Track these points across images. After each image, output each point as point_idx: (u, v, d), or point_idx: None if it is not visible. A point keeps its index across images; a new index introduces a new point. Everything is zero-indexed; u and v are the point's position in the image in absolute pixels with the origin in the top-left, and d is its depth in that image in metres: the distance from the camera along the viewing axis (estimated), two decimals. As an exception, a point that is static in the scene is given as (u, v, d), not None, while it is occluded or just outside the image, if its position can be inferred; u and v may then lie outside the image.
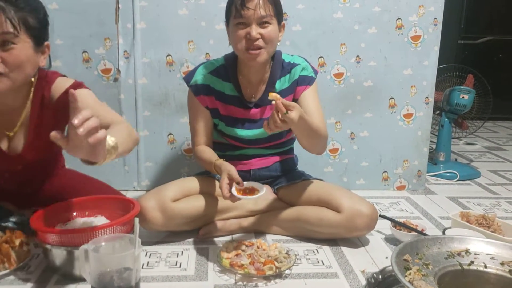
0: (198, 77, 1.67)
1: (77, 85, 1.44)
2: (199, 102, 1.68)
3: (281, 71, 1.67)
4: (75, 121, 0.97)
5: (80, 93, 1.31)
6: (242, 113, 1.68)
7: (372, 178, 2.27)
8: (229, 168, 1.47)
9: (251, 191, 1.46)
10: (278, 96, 1.35)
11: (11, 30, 1.24)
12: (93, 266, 1.14)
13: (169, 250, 1.56)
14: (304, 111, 1.56)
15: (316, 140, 1.58)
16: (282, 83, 1.68)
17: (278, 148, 1.77)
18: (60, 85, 1.43)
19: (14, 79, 1.30)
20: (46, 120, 1.45)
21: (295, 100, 1.68)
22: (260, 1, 1.50)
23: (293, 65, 1.68)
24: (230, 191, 1.42)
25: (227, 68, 1.67)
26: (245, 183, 1.46)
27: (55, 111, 1.44)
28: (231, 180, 1.44)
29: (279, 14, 1.57)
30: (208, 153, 1.65)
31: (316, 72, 1.72)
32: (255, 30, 1.51)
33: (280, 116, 1.35)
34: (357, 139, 2.22)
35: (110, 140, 1.16)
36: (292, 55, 1.72)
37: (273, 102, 1.34)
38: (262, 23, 1.52)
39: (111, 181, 1.87)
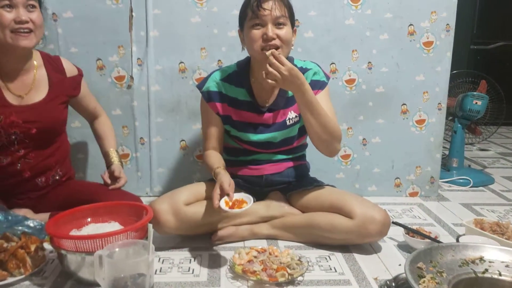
0: (211, 84, 1.70)
1: (81, 72, 1.81)
2: (211, 108, 1.70)
3: None
4: (111, 187, 1.72)
5: (83, 84, 1.81)
6: (255, 118, 1.69)
7: (384, 185, 2.26)
8: (223, 180, 1.49)
9: (240, 204, 1.46)
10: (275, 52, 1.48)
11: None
12: (107, 272, 1.15)
13: (182, 256, 1.56)
14: None
15: (327, 136, 1.58)
16: None
17: (290, 154, 1.77)
18: (69, 65, 1.77)
19: (38, 37, 1.58)
20: (60, 83, 1.71)
21: None
22: (276, 3, 1.53)
23: (305, 70, 1.68)
24: (219, 201, 1.43)
25: (240, 73, 1.69)
26: (235, 194, 1.47)
27: (67, 83, 1.74)
28: (222, 191, 1.46)
29: (292, 17, 1.60)
30: (212, 159, 1.67)
31: (328, 77, 1.72)
32: (271, 30, 1.53)
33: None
34: (369, 145, 2.22)
35: (117, 158, 1.83)
36: (304, 61, 1.73)
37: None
38: (277, 24, 1.54)
39: (124, 186, 1.88)
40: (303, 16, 2.06)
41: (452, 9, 2.10)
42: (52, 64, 1.72)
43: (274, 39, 1.53)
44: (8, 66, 1.60)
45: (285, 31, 1.55)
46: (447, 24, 2.11)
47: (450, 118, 2.69)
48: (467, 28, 4.42)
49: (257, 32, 1.54)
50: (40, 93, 1.66)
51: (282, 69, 1.46)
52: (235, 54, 2.03)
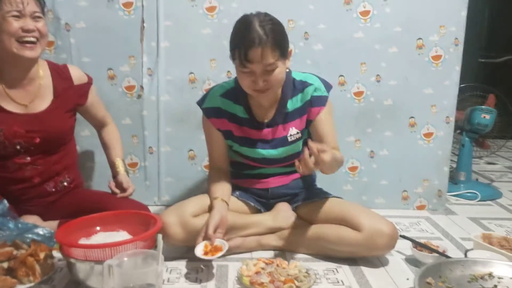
0: (210, 100, 1.70)
1: (91, 80, 1.82)
2: (212, 124, 1.71)
3: (293, 90, 1.67)
4: (119, 195, 1.74)
5: (92, 90, 1.82)
6: (255, 134, 1.69)
7: (391, 197, 2.26)
8: (211, 220, 1.51)
9: (215, 250, 1.47)
10: (313, 144, 1.33)
11: (39, 9, 1.59)
12: (117, 281, 1.16)
13: (189, 266, 1.57)
14: (320, 133, 1.62)
15: (336, 168, 1.57)
16: (294, 103, 1.68)
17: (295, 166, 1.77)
18: (77, 72, 1.78)
19: (43, 47, 1.62)
20: (66, 92, 1.73)
21: (309, 121, 1.69)
22: (264, 51, 1.45)
23: (305, 85, 1.67)
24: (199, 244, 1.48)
25: (238, 90, 1.66)
26: (217, 241, 1.49)
27: (75, 91, 1.76)
28: (206, 230, 1.49)
29: (284, 52, 1.52)
30: (213, 185, 1.68)
31: (329, 88, 1.70)
32: (261, 80, 1.50)
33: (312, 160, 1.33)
34: (377, 158, 2.22)
35: (123, 168, 1.84)
36: (303, 73, 1.71)
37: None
38: (268, 70, 1.49)
39: (132, 195, 1.90)
40: (313, 29, 2.08)
41: (461, 23, 2.11)
42: (59, 72, 1.73)
43: (266, 88, 1.52)
44: (12, 75, 1.62)
45: (276, 73, 1.51)
46: (456, 38, 2.12)
47: (458, 131, 2.69)
48: (476, 41, 4.43)
49: (246, 78, 1.52)
50: (44, 102, 1.68)
51: (324, 167, 1.38)
52: (244, 65, 2.05)
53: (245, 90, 1.59)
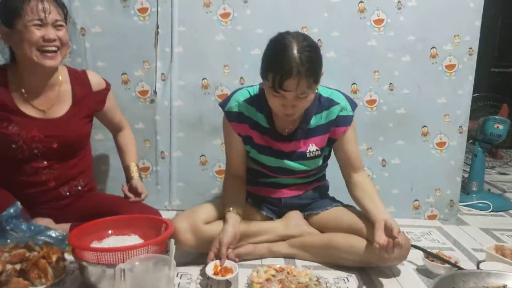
0: (233, 104, 1.67)
1: (109, 86, 1.84)
2: (232, 128, 1.68)
3: (318, 106, 1.63)
4: (132, 199, 1.75)
5: (110, 95, 1.84)
6: (275, 144, 1.67)
7: (402, 206, 2.25)
8: (221, 236, 1.52)
9: (225, 271, 1.46)
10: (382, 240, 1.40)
11: (61, 17, 1.58)
12: (128, 285, 1.16)
13: (200, 271, 1.56)
14: (344, 153, 1.67)
15: None
16: (318, 119, 1.66)
17: (311, 177, 1.77)
18: (95, 78, 1.79)
19: (63, 55, 1.62)
20: (84, 98, 1.74)
21: (332, 139, 1.68)
22: (300, 82, 1.41)
23: (332, 103, 1.64)
24: (211, 258, 1.49)
25: (261, 98, 1.63)
26: (227, 262, 1.49)
27: (93, 97, 1.77)
28: (219, 247, 1.50)
29: (318, 79, 1.49)
30: (228, 194, 1.69)
31: (355, 107, 1.68)
32: (291, 106, 1.47)
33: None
34: (389, 166, 2.21)
35: (137, 173, 1.85)
36: (330, 89, 1.68)
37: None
38: (300, 97, 1.46)
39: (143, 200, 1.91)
40: (326, 37, 2.08)
41: (475, 33, 2.10)
42: (78, 78, 1.74)
43: (293, 113, 1.51)
44: (32, 82, 1.64)
45: (308, 100, 1.49)
46: (470, 47, 2.11)
47: (471, 141, 2.67)
48: (488, 50, 4.40)
49: (277, 101, 1.48)
50: (63, 107, 1.70)
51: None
52: (257, 72, 2.03)
53: (273, 109, 1.57)
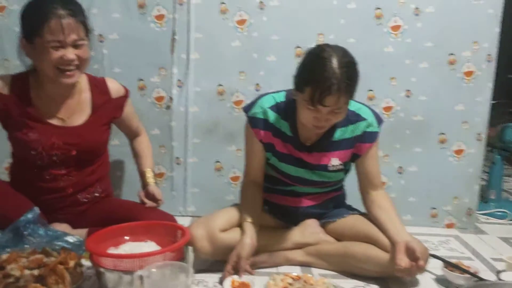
0: (257, 110, 1.64)
1: (128, 93, 1.84)
2: (254, 134, 1.66)
3: (344, 119, 1.57)
4: (148, 205, 1.74)
5: (128, 102, 1.84)
6: (297, 153, 1.65)
7: (419, 215, 2.22)
8: (239, 249, 1.51)
9: (243, 286, 1.45)
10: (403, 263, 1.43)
11: (82, 34, 1.56)
12: (146, 292, 1.16)
13: (216, 278, 1.56)
14: (366, 169, 1.67)
15: None
16: (343, 133, 1.63)
17: (329, 187, 1.75)
18: (115, 85, 1.80)
19: (83, 70, 1.62)
20: (104, 106, 1.74)
21: (356, 155, 1.66)
22: (340, 99, 1.41)
23: (359, 118, 1.62)
24: (229, 271, 1.48)
25: (287, 105, 1.61)
26: (244, 278, 1.48)
27: (112, 104, 1.78)
28: (237, 261, 1.49)
29: (353, 95, 1.49)
30: (246, 203, 1.68)
31: (381, 123, 1.66)
32: (324, 119, 1.47)
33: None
34: (405, 174, 2.19)
35: (153, 179, 1.84)
36: (358, 102, 1.64)
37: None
38: (334, 112, 1.46)
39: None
40: (343, 43, 2.03)
41: (494, 39, 2.07)
42: (98, 86, 1.75)
43: (324, 126, 1.51)
44: (52, 91, 1.65)
45: (341, 114, 1.49)
46: (489, 54, 2.08)
47: (489, 148, 2.63)
48: (507, 57, 4.34)
49: (310, 113, 1.46)
50: (82, 116, 1.71)
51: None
52: (272, 78, 2.06)
53: (302, 120, 1.54)
